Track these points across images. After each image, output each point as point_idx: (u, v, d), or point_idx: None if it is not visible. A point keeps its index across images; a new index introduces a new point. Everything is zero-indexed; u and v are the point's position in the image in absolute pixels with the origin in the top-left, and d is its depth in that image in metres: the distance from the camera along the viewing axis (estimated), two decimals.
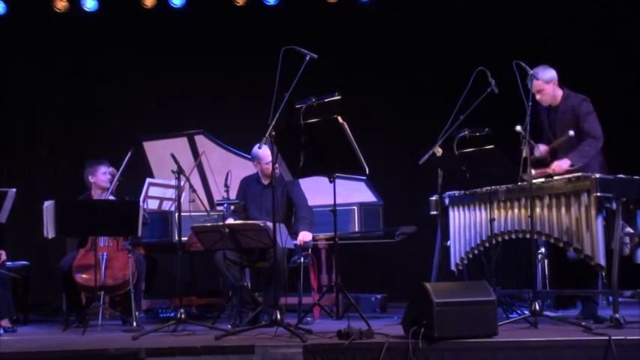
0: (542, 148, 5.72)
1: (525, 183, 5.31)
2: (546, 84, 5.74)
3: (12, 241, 7.40)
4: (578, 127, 5.67)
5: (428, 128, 6.17)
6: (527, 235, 5.36)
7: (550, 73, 5.77)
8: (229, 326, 5.55)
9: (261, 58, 6.40)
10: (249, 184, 6.43)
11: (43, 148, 8.55)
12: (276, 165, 5.32)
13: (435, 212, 6.05)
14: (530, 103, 5.32)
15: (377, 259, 8.06)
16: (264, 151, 6.06)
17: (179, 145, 7.39)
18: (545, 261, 6.00)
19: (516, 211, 5.51)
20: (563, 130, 5.71)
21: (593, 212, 5.09)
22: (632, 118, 7.92)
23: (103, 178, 6.46)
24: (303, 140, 5.15)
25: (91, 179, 6.55)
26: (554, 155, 5.78)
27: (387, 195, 7.35)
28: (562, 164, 5.59)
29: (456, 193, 5.94)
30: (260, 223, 5.57)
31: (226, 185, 6.25)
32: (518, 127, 5.27)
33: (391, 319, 6.04)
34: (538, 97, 5.76)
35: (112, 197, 6.35)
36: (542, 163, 5.76)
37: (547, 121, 5.89)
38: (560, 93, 5.81)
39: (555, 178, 5.39)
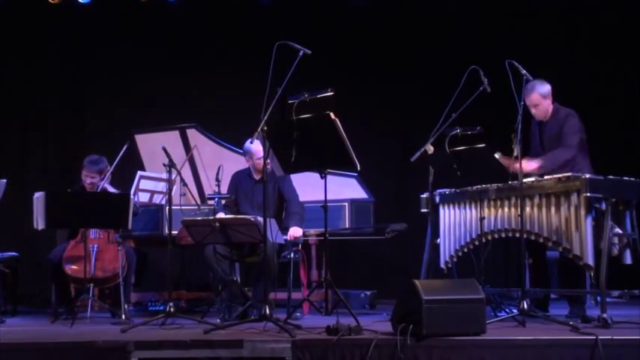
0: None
1: (516, 182, 5.33)
2: (543, 99, 5.75)
3: (1, 232, 7.38)
4: (559, 138, 5.72)
5: (420, 126, 6.18)
6: (517, 234, 5.38)
7: (546, 88, 5.77)
8: (218, 320, 5.55)
9: (255, 53, 6.40)
10: (240, 178, 6.43)
11: (35, 139, 8.52)
12: (268, 160, 5.32)
13: (425, 210, 6.06)
14: (522, 103, 5.34)
15: (367, 256, 8.07)
16: (256, 146, 6.06)
17: (171, 139, 7.39)
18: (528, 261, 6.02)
19: (506, 210, 5.53)
20: (551, 144, 5.75)
21: (582, 212, 5.11)
22: (622, 119, 7.96)
23: (84, 180, 6.43)
24: (295, 136, 5.15)
25: (82, 174, 6.53)
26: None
27: (378, 192, 7.36)
28: (531, 164, 5.59)
29: (447, 191, 5.96)
30: (251, 217, 5.57)
31: (217, 179, 6.26)
32: (497, 156, 5.34)
33: (380, 315, 6.05)
34: (533, 111, 5.78)
35: (108, 186, 6.33)
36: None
37: (537, 135, 5.90)
38: (551, 107, 5.83)
39: (546, 177, 5.40)
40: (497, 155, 5.42)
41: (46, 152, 8.50)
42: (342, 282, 6.27)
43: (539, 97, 5.73)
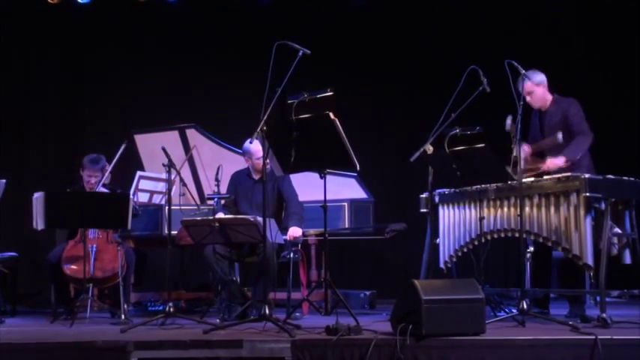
0: (526, 148, 5.72)
1: (515, 182, 5.33)
2: (536, 86, 5.77)
3: (1, 232, 7.38)
4: (567, 129, 5.71)
5: (419, 126, 6.18)
6: (517, 234, 5.38)
7: (539, 77, 5.80)
8: (218, 320, 5.55)
9: (255, 53, 6.39)
10: (239, 178, 6.43)
11: (34, 140, 8.51)
12: (267, 160, 5.32)
13: (425, 210, 6.07)
14: (522, 102, 5.35)
15: (366, 256, 8.07)
16: (255, 146, 6.06)
17: (170, 139, 7.39)
18: (528, 261, 6.03)
19: (506, 209, 5.54)
20: (552, 132, 5.75)
21: (582, 212, 5.11)
22: (621, 119, 7.96)
23: (86, 179, 6.42)
24: (295, 136, 5.15)
25: (81, 173, 6.52)
26: (540, 155, 5.80)
27: (378, 192, 7.36)
28: (556, 161, 5.59)
29: (446, 191, 5.96)
30: (250, 217, 5.57)
31: (217, 179, 6.26)
32: (508, 122, 5.31)
33: (380, 315, 6.05)
34: (528, 99, 5.78)
35: (103, 189, 6.33)
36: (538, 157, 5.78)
37: (537, 125, 5.91)
38: (549, 97, 5.85)
39: (545, 177, 5.41)
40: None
41: (45, 152, 8.50)
42: (342, 282, 6.27)
43: (532, 84, 5.74)
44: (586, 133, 5.69)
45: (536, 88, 5.78)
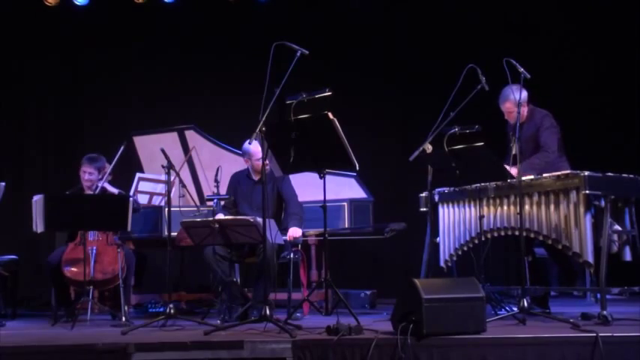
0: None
1: (514, 180, 5.33)
2: (516, 107, 5.69)
3: (0, 234, 7.39)
4: (537, 141, 5.73)
5: (418, 125, 6.18)
6: (517, 233, 5.38)
7: (523, 95, 5.67)
8: (218, 321, 5.55)
9: (254, 54, 6.39)
10: (239, 179, 6.43)
11: (33, 142, 8.52)
12: (267, 161, 5.32)
13: (424, 209, 6.07)
14: (519, 101, 5.34)
15: (366, 256, 8.07)
16: (254, 147, 6.06)
17: (169, 140, 7.39)
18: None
19: (505, 208, 5.54)
20: (528, 146, 5.76)
21: (581, 210, 5.12)
22: (621, 117, 7.96)
23: (83, 176, 6.41)
24: (294, 136, 5.15)
25: (80, 172, 6.51)
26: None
27: (377, 191, 7.36)
28: (512, 171, 5.51)
29: (446, 189, 5.96)
30: (250, 218, 5.57)
31: (216, 180, 6.26)
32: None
33: (380, 315, 6.05)
34: (507, 116, 5.78)
35: (108, 185, 6.31)
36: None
37: (510, 135, 5.88)
38: (526, 111, 5.80)
39: (544, 175, 5.41)
40: None
41: (45, 154, 8.50)
42: (342, 282, 6.27)
43: (513, 105, 5.68)
44: (549, 150, 5.70)
45: (516, 108, 5.69)
